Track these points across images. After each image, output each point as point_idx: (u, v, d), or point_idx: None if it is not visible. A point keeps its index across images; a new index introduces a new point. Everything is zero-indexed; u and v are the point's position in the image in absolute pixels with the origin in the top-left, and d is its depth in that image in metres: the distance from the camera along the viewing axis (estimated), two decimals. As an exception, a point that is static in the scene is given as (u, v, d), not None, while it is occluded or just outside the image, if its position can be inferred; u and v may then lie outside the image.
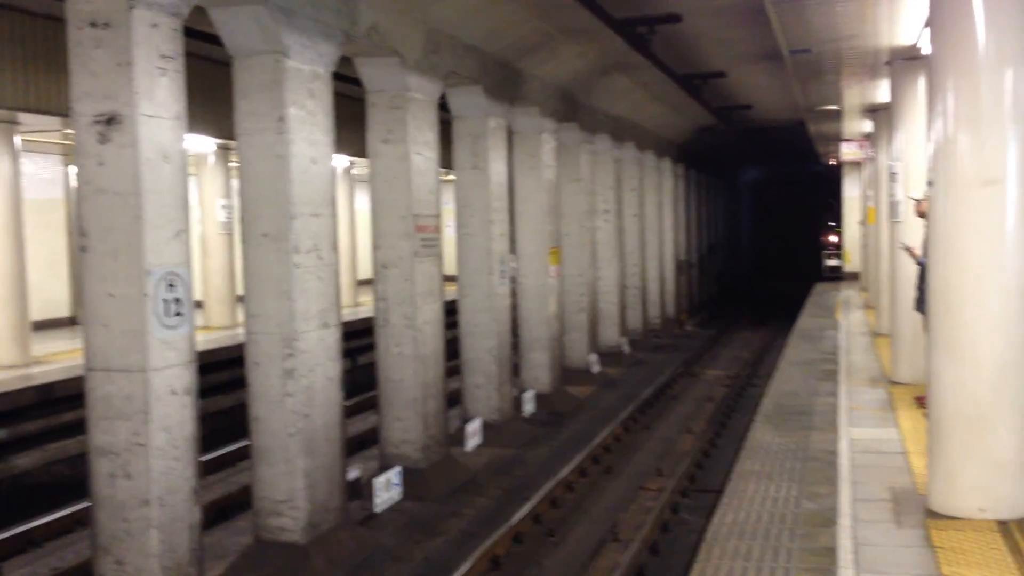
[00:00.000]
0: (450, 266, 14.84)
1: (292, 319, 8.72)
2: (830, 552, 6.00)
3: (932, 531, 6.26)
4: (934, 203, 6.72)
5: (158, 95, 7.14)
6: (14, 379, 12.48)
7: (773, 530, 6.50)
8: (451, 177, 14.80)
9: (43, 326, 17.95)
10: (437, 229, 11.88)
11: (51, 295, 19.25)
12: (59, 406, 12.25)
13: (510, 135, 15.45)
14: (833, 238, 39.87)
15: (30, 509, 10.82)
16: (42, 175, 19.27)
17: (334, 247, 9.41)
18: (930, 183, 6.78)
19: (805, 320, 20.32)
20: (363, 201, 22.16)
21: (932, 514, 6.59)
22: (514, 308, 15.52)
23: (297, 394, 8.75)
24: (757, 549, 6.13)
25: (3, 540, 9.70)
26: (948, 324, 6.58)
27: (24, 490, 11.80)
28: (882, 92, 15.25)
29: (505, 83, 14.28)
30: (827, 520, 6.65)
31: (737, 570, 5.79)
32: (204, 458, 12.58)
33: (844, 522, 6.51)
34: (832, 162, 32.18)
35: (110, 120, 6.99)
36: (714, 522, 6.75)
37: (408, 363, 11.31)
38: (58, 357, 14.47)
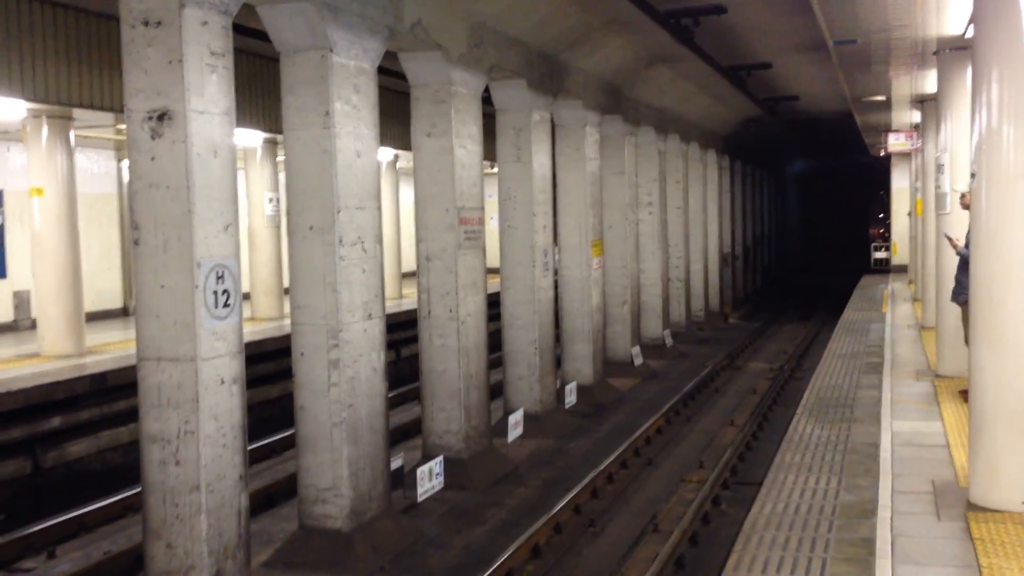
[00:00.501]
0: (494, 259, 14.93)
1: (337, 310, 8.87)
2: (868, 543, 6.02)
3: (972, 523, 6.26)
4: (977, 195, 6.69)
5: (208, 91, 7.30)
6: (68, 368, 12.79)
7: (811, 521, 6.53)
8: (495, 170, 14.88)
9: (97, 317, 18.35)
10: (480, 222, 11.98)
11: (104, 286, 19.65)
12: (112, 395, 12.54)
13: (553, 128, 15.51)
14: (881, 230, 39.48)
15: (83, 495, 11.11)
16: (95, 170, 19.67)
17: (379, 240, 9.54)
18: (973, 175, 6.75)
19: (851, 313, 20.18)
20: (408, 194, 22.34)
21: (972, 507, 6.58)
22: (556, 300, 15.60)
23: (342, 384, 8.90)
24: (795, 539, 6.17)
25: (57, 524, 9.97)
26: (991, 317, 6.55)
27: (78, 477, 12.11)
28: (930, 82, 15.10)
29: (549, 76, 14.34)
30: (866, 512, 6.66)
31: (774, 559, 5.83)
32: (251, 447, 12.88)
33: (883, 514, 6.53)
34: (882, 153, 31.83)
35: (162, 116, 7.16)
36: (752, 512, 6.79)
37: (451, 355, 11.43)
38: (111, 347, 14.79)
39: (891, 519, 6.42)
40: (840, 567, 5.67)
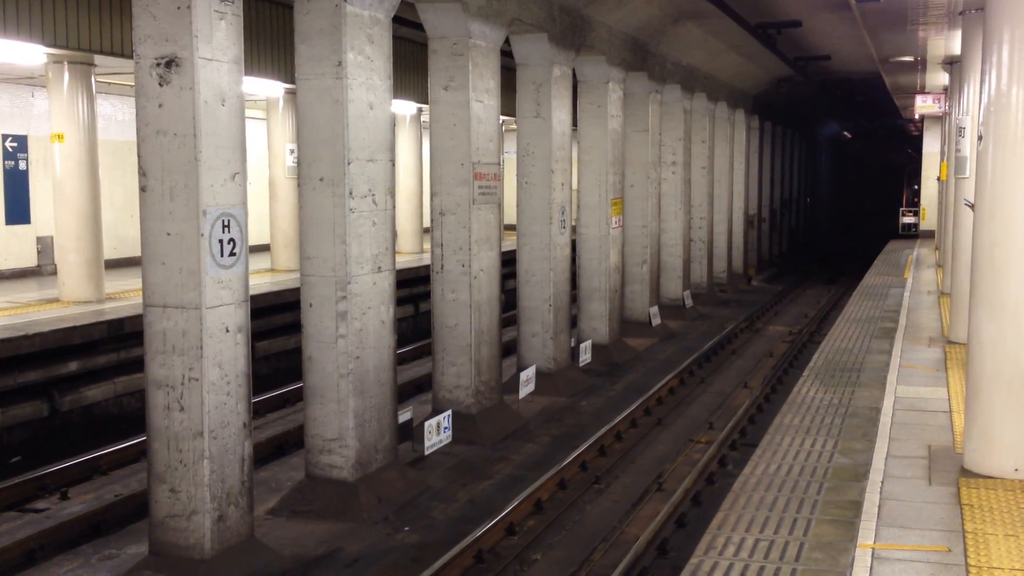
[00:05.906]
0: (512, 215, 14.89)
1: (346, 262, 8.93)
2: (856, 506, 6.03)
3: (963, 489, 6.24)
4: (983, 157, 6.59)
5: (216, 39, 7.30)
6: (86, 314, 12.94)
7: (802, 482, 6.53)
8: (515, 126, 14.82)
9: (119, 264, 18.53)
10: (496, 177, 11.94)
11: (127, 234, 19.78)
12: (129, 341, 12.69)
13: (575, 83, 15.37)
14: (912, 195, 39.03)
15: (100, 439, 11.31)
16: (119, 117, 19.76)
17: (390, 192, 9.55)
18: (980, 137, 6.65)
19: (871, 277, 20.01)
20: (431, 148, 22.26)
21: (966, 472, 6.56)
22: (574, 259, 15.56)
23: (349, 336, 8.97)
24: (782, 500, 6.18)
25: (71, 467, 10.16)
26: (991, 281, 6.48)
27: (95, 421, 12.31)
28: (958, 44, 14.81)
29: (571, 31, 14.20)
30: (858, 475, 6.66)
31: (759, 519, 5.85)
32: (265, 396, 13.04)
33: (874, 477, 6.53)
34: (916, 116, 31.35)
35: (170, 63, 7.18)
36: (744, 473, 6.81)
37: (463, 309, 11.47)
38: (129, 294, 14.93)
39: (882, 482, 6.42)
40: (824, 528, 5.68)
